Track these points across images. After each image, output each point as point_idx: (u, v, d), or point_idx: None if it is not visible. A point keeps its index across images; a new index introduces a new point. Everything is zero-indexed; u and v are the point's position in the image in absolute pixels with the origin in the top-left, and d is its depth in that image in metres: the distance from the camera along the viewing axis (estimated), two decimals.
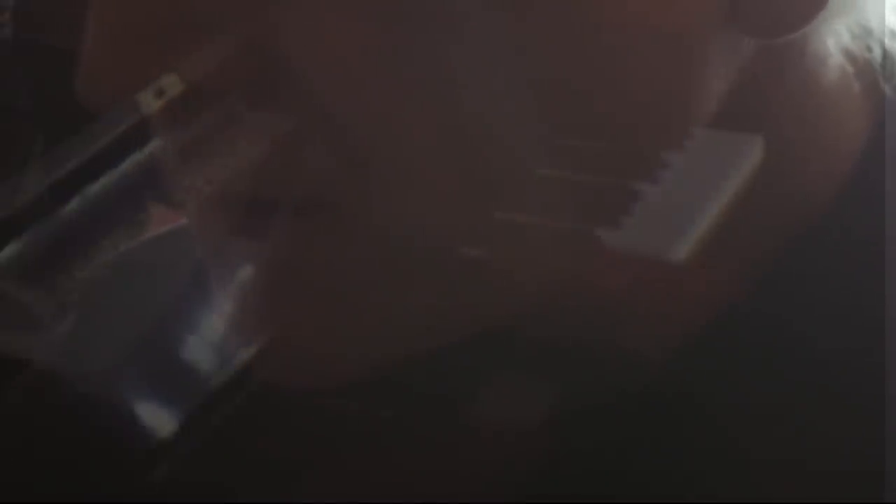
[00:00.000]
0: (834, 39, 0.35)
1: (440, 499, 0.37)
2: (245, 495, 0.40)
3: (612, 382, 0.36)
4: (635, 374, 0.36)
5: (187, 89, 0.30)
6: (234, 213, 0.32)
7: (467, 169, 0.31)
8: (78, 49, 0.32)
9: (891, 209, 0.35)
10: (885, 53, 0.36)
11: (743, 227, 0.34)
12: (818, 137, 0.35)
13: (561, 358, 0.37)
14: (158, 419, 0.43)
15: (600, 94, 0.31)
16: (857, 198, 0.36)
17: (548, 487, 0.36)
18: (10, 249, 0.57)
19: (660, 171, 0.31)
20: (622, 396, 0.36)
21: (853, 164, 0.36)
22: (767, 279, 0.35)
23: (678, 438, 0.35)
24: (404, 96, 0.30)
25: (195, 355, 0.45)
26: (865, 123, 0.36)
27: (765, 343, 0.35)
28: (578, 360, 0.36)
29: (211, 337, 0.45)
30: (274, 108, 0.30)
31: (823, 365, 0.34)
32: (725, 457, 0.34)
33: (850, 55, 0.36)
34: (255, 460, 0.40)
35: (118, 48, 0.30)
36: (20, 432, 0.45)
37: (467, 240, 0.32)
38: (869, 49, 0.36)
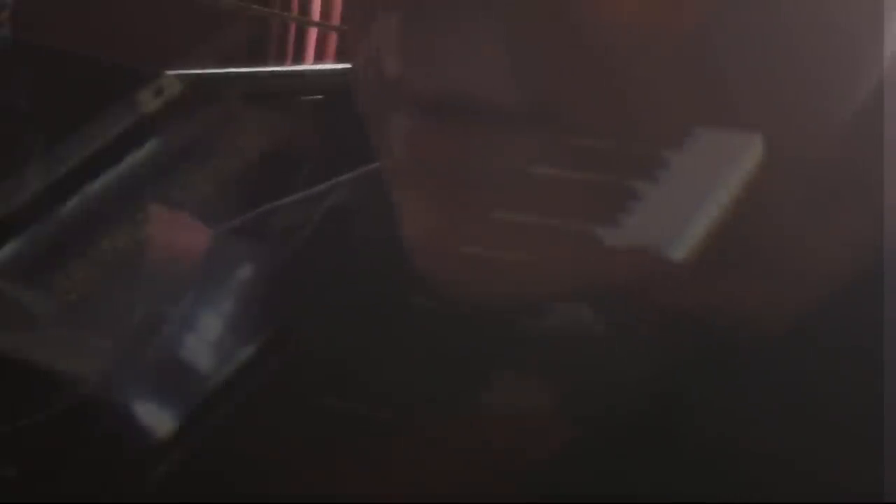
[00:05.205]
0: None
1: (441, 498, 0.37)
2: (245, 495, 0.40)
3: (613, 382, 0.36)
4: (635, 375, 0.36)
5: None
6: (449, 123, 0.32)
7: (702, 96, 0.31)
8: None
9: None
10: None
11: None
12: None
13: (562, 358, 0.37)
14: (158, 419, 0.43)
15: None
16: None
17: (549, 487, 0.36)
18: (10, 249, 0.57)
19: (659, 170, 0.31)
20: (622, 397, 0.36)
21: None
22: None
23: (677, 438, 0.35)
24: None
25: (195, 355, 0.45)
26: None
27: (766, 344, 0.35)
28: (579, 360, 0.36)
29: (211, 337, 0.45)
30: None
31: (823, 365, 0.34)
32: (726, 456, 0.34)
33: None
34: (254, 460, 0.40)
35: None
36: (20, 432, 0.45)
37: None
38: None
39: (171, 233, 0.56)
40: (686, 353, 0.35)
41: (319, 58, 2.04)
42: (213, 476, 0.41)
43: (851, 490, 0.32)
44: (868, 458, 0.32)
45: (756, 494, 0.33)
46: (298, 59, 2.01)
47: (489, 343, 0.37)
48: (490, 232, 0.32)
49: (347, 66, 0.36)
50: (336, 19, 2.01)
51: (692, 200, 0.31)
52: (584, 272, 0.33)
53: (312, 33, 2.03)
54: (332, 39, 2.05)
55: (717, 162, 0.31)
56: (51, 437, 0.45)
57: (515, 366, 0.37)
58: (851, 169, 0.34)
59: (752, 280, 0.34)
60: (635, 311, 0.35)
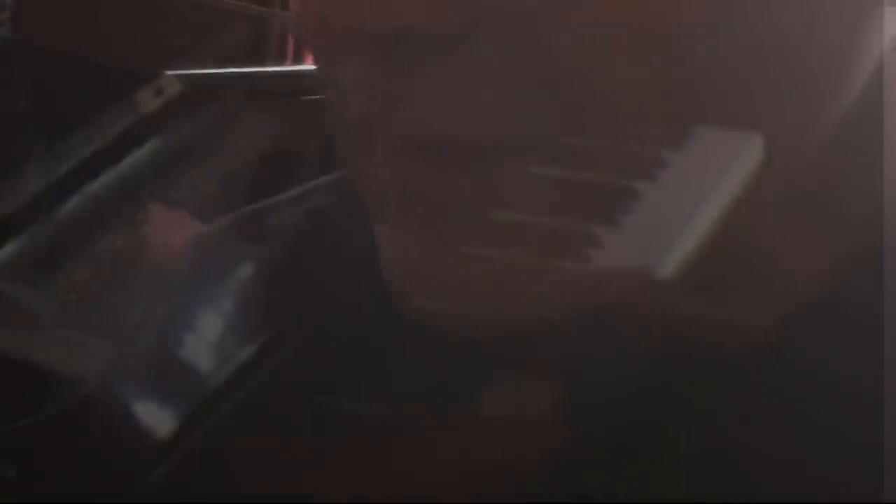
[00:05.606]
0: None
1: (440, 498, 0.37)
2: (245, 495, 0.40)
3: (612, 381, 0.36)
4: (633, 375, 0.36)
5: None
6: (428, 157, 0.32)
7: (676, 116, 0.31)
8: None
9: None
10: None
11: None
12: None
13: (561, 357, 0.37)
14: (158, 419, 0.43)
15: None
16: None
17: (548, 487, 0.36)
18: (10, 249, 0.57)
19: (659, 170, 0.31)
20: (622, 395, 0.36)
21: None
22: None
23: (677, 436, 0.35)
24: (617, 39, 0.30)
25: (195, 355, 0.45)
26: None
27: (767, 343, 0.35)
28: (579, 360, 0.36)
29: (211, 337, 0.45)
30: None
31: (824, 364, 0.34)
32: (727, 454, 0.34)
33: None
34: (255, 460, 0.40)
35: None
36: (20, 432, 0.45)
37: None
38: None
39: (171, 233, 0.56)
40: (676, 364, 0.35)
41: None
42: (213, 476, 0.41)
43: (851, 490, 0.32)
44: (866, 460, 0.32)
45: (756, 493, 0.33)
46: (298, 59, 2.01)
47: (487, 344, 0.37)
48: (470, 261, 0.32)
49: None
50: None
51: (681, 215, 0.31)
52: (567, 298, 0.33)
53: None
54: None
55: (709, 171, 0.32)
56: (51, 437, 0.45)
57: (513, 367, 0.37)
58: (830, 178, 0.34)
59: (733, 291, 0.34)
60: (624, 323, 0.35)
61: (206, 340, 0.45)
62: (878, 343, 0.33)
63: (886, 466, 0.32)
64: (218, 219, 0.50)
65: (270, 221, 0.46)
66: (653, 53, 0.30)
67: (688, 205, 0.31)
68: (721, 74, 0.31)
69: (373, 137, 0.32)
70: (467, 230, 0.32)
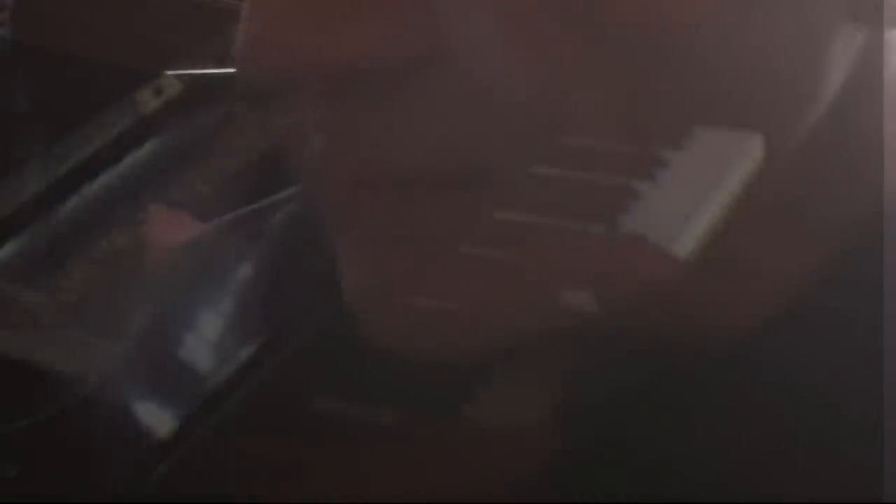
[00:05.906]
0: None
1: (440, 499, 0.37)
2: (244, 495, 0.40)
3: (612, 380, 0.36)
4: (634, 372, 0.36)
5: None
6: (381, 188, 0.32)
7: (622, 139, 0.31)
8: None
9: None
10: None
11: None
12: None
13: (561, 357, 0.37)
14: (158, 419, 0.43)
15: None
16: None
17: (548, 488, 0.36)
18: (10, 249, 0.57)
19: (659, 169, 0.31)
20: (622, 394, 0.36)
21: None
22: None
23: (679, 435, 0.35)
24: (562, 70, 0.30)
25: (195, 355, 0.45)
26: None
27: (766, 342, 0.35)
28: (579, 360, 0.36)
29: (211, 337, 0.45)
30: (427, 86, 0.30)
31: (823, 362, 0.34)
32: (727, 455, 0.34)
33: None
34: (254, 461, 0.40)
35: (279, 22, 0.30)
36: (20, 432, 0.45)
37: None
38: None
39: (170, 233, 0.56)
40: (668, 368, 0.35)
41: None
42: (213, 476, 0.41)
43: (851, 490, 0.32)
44: (865, 460, 0.32)
45: (756, 493, 0.33)
46: None
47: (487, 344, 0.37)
48: (433, 288, 0.32)
49: None
50: None
51: (680, 215, 0.31)
52: (535, 322, 0.33)
53: None
54: None
55: (709, 171, 0.32)
56: (51, 437, 0.45)
57: (507, 374, 0.37)
58: (811, 185, 0.34)
59: (718, 295, 0.34)
60: (614, 330, 0.35)
61: (206, 340, 0.45)
62: (877, 342, 0.33)
63: (886, 466, 0.32)
64: (217, 219, 0.50)
65: (270, 221, 0.46)
66: (618, 70, 0.30)
67: (688, 205, 0.31)
68: (690, 86, 0.31)
69: (331, 170, 0.33)
70: (428, 255, 0.32)
